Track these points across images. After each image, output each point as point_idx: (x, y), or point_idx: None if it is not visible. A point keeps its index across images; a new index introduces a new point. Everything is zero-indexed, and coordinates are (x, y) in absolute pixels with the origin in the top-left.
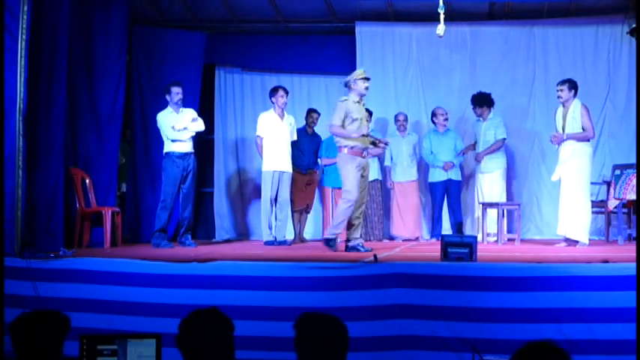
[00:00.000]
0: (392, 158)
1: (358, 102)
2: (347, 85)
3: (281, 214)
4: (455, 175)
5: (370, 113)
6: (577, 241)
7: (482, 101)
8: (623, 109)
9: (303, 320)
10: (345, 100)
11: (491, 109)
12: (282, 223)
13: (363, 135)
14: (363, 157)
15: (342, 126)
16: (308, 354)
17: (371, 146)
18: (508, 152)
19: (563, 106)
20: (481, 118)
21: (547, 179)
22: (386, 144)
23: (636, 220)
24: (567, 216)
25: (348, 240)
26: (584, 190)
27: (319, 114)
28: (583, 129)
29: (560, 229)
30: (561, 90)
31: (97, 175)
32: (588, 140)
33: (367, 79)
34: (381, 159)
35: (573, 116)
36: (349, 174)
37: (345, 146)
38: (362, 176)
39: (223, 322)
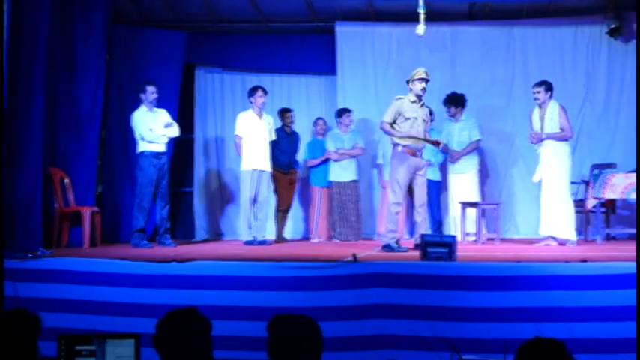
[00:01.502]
0: (384, 156)
1: (414, 102)
2: (408, 83)
3: (260, 214)
4: (433, 175)
5: (431, 112)
6: (566, 240)
7: (457, 101)
8: (601, 109)
9: (276, 322)
10: (401, 98)
11: (464, 110)
12: (261, 223)
13: (415, 137)
14: (417, 157)
15: (394, 123)
16: (281, 356)
17: (424, 145)
18: (485, 152)
19: (540, 107)
20: (453, 119)
21: (525, 179)
22: (439, 144)
23: (636, 220)
24: (551, 216)
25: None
26: (566, 189)
27: (292, 110)
28: (561, 129)
29: (543, 229)
30: (538, 92)
31: (76, 175)
32: (567, 140)
33: (425, 79)
34: (359, 160)
35: (551, 117)
36: (398, 174)
37: (398, 144)
38: (418, 175)
39: (200, 321)
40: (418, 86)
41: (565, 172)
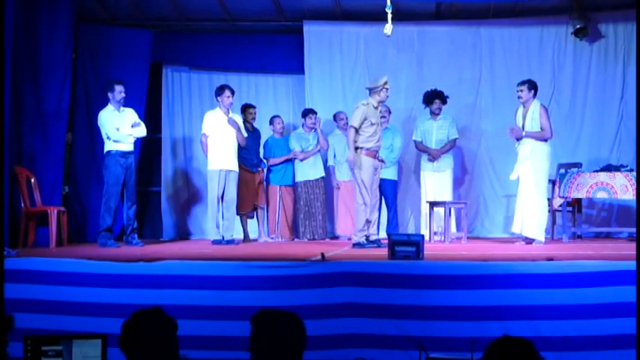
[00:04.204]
0: (335, 157)
1: (376, 108)
2: (371, 90)
3: (228, 213)
4: (388, 174)
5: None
6: (533, 239)
7: (438, 97)
8: (567, 109)
9: (261, 316)
10: (367, 103)
11: (443, 106)
12: (229, 222)
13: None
14: (377, 159)
15: (360, 128)
16: (264, 351)
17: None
18: (458, 151)
19: (524, 106)
20: (434, 116)
21: (493, 178)
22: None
23: (636, 220)
24: (524, 214)
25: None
26: (541, 190)
27: (255, 107)
28: (541, 129)
29: (516, 226)
30: (521, 90)
31: (41, 174)
32: (546, 140)
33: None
34: (324, 157)
35: (532, 116)
36: (364, 175)
37: (362, 148)
38: (375, 176)
39: (166, 321)
40: (385, 94)
41: (542, 172)
